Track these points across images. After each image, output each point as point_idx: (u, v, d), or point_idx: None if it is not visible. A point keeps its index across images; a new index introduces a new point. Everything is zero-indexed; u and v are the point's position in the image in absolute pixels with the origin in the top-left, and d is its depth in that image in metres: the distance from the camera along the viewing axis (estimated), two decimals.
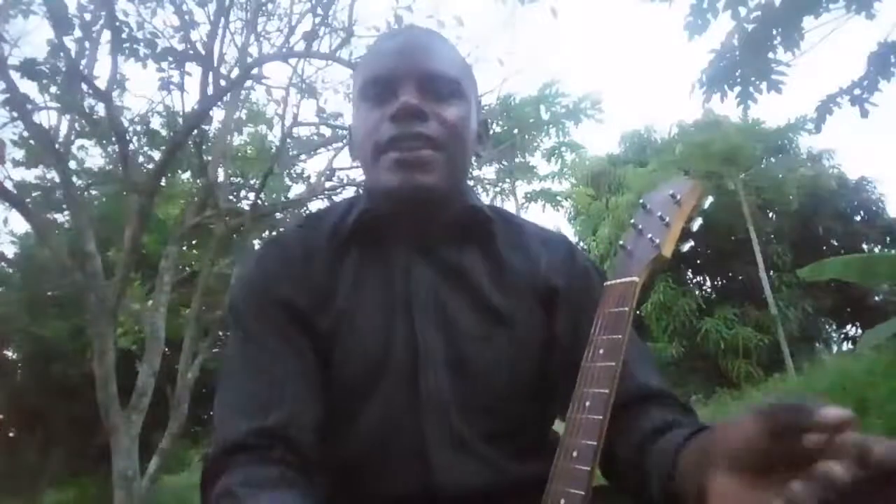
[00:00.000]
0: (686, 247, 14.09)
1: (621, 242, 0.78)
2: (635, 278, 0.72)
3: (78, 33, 5.03)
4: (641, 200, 0.80)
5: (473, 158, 0.90)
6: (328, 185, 7.21)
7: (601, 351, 0.68)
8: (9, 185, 5.46)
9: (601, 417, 0.64)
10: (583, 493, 0.61)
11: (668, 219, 0.75)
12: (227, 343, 0.89)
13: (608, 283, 0.75)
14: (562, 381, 0.76)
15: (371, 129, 0.81)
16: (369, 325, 0.81)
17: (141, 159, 7.16)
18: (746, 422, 0.49)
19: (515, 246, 0.88)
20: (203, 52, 5.13)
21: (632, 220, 0.79)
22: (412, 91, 0.79)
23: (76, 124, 6.42)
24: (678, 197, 0.76)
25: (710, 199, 12.16)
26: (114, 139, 5.84)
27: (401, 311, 0.81)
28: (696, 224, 0.74)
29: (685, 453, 0.64)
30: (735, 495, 0.51)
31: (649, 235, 0.75)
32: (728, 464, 0.52)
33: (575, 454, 0.64)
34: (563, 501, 0.62)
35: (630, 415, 0.75)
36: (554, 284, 0.85)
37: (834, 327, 14.94)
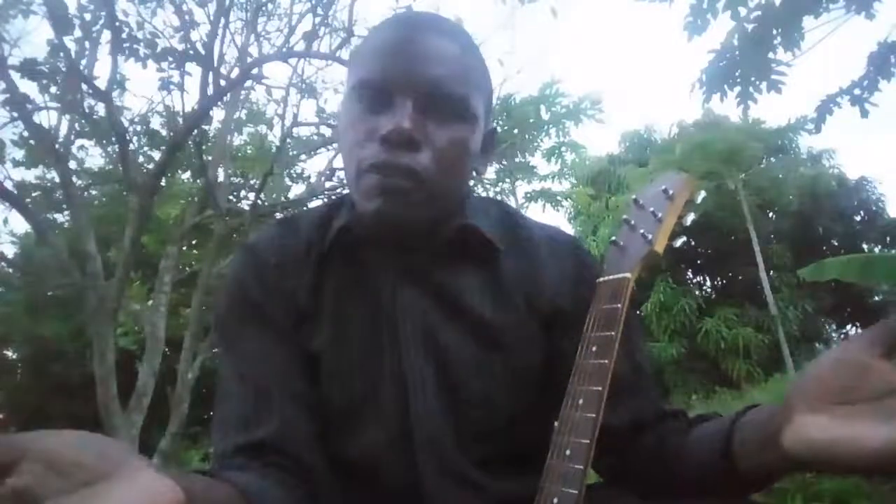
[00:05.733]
0: (686, 246, 14.13)
1: (613, 238, 0.78)
2: (627, 274, 0.72)
3: (78, 33, 5.03)
4: (634, 196, 0.80)
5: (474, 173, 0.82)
6: (328, 185, 7.19)
7: (594, 348, 0.68)
8: (9, 185, 5.45)
9: (594, 415, 0.64)
10: (576, 492, 0.60)
11: (660, 214, 0.75)
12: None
13: (600, 279, 0.75)
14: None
15: (358, 142, 0.73)
16: (354, 357, 0.78)
17: (141, 159, 7.17)
18: (831, 354, 0.55)
19: (520, 258, 0.82)
20: (203, 52, 5.12)
21: (624, 216, 0.79)
22: (408, 110, 0.70)
23: (76, 124, 6.41)
24: (670, 192, 0.76)
25: (703, 194, 12.15)
26: (114, 139, 5.85)
27: (388, 340, 0.78)
28: (689, 219, 0.75)
29: (742, 423, 0.65)
30: (826, 422, 0.52)
31: (641, 231, 0.75)
32: (815, 396, 0.53)
33: (568, 452, 0.63)
34: (556, 500, 0.61)
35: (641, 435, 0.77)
36: (559, 305, 0.80)
37: (834, 327, 14.95)
